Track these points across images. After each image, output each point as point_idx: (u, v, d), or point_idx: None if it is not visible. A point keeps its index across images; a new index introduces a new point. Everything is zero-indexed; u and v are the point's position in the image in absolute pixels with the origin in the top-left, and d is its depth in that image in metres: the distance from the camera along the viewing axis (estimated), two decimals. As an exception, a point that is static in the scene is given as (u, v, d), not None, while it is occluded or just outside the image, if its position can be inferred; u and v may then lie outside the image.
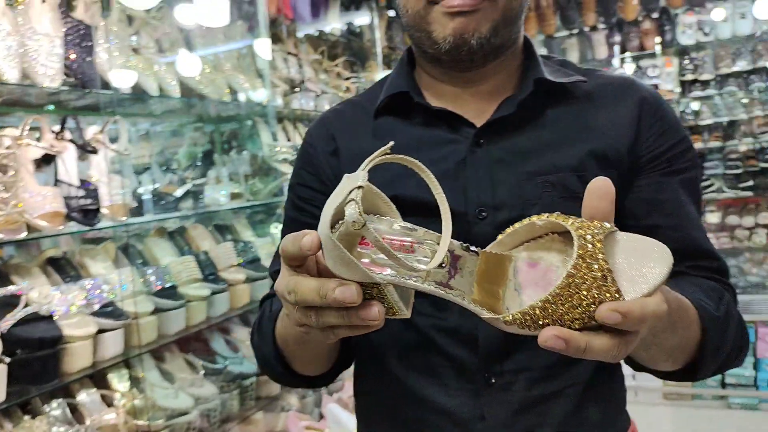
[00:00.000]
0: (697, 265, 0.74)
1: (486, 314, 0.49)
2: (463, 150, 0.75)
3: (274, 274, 0.88)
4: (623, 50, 3.69)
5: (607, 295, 0.45)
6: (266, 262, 2.13)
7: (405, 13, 0.75)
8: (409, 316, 0.50)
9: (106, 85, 1.51)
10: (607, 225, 0.48)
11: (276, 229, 2.36)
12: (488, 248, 0.53)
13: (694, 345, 0.67)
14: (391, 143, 0.49)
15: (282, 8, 2.21)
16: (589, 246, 0.46)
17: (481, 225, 0.72)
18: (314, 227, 0.64)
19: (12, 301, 1.37)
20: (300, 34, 2.64)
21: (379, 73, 2.90)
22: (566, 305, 0.45)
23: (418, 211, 0.66)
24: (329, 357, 0.80)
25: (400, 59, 0.85)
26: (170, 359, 1.93)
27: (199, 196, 2.00)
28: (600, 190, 0.49)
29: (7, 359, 1.29)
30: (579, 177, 0.72)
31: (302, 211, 0.84)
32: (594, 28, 3.71)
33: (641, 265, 0.47)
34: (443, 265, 0.50)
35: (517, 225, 0.53)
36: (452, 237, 0.52)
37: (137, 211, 1.78)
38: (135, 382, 1.75)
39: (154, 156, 2.16)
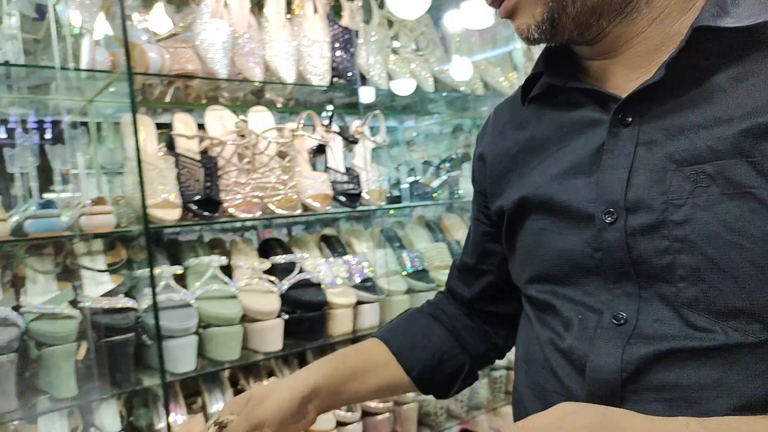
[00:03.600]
0: None
1: None
2: (604, 133, 0.61)
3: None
4: None
5: None
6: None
7: None
8: None
9: (366, 83, 1.70)
10: None
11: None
12: None
13: None
14: None
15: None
16: None
17: (610, 231, 0.58)
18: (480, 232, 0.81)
19: (291, 268, 1.63)
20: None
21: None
22: None
23: (547, 209, 0.65)
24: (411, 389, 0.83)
25: None
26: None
27: (453, 188, 2.09)
28: None
29: (286, 316, 1.55)
30: (750, 164, 0.51)
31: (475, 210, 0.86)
32: None
33: None
34: None
35: None
36: (583, 243, 0.61)
37: (396, 199, 1.95)
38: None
39: (417, 153, 2.33)
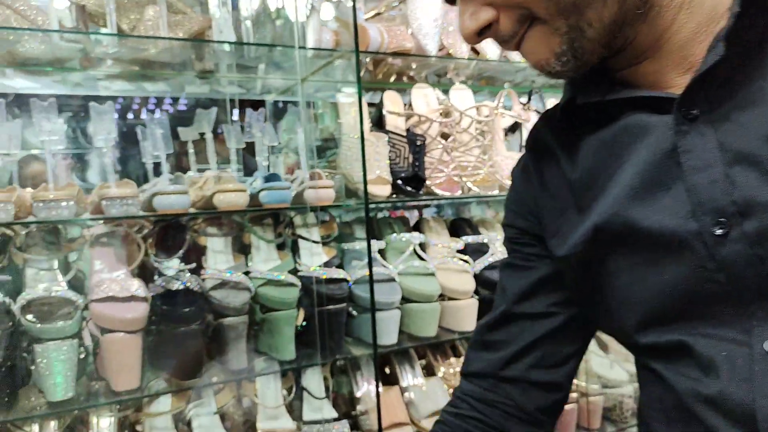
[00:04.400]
0: None
1: None
2: (669, 137, 0.52)
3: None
4: None
5: None
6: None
7: None
8: None
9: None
10: None
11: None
12: None
13: None
14: None
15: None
16: None
17: (727, 245, 0.49)
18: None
19: (481, 249, 1.62)
20: None
21: None
22: None
23: (630, 241, 0.54)
24: None
25: None
26: (605, 330, 1.96)
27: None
28: None
29: (477, 296, 1.54)
30: None
31: (513, 254, 0.74)
32: None
33: None
34: None
35: None
36: (694, 268, 0.50)
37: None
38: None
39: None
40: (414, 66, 1.54)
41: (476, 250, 1.62)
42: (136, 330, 1.11)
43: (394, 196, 1.43)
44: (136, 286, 1.13)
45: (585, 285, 0.62)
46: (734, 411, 0.50)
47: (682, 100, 0.51)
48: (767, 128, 0.47)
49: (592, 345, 1.90)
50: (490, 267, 1.56)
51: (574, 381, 1.73)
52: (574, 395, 1.72)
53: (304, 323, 1.37)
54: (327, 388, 1.46)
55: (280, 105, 1.66)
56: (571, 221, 0.62)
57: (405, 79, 1.60)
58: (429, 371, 1.60)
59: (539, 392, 0.70)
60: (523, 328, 0.70)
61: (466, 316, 1.50)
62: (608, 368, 1.85)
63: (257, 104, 1.57)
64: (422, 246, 1.55)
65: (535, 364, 0.70)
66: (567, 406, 1.69)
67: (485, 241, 1.61)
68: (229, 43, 1.20)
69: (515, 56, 1.54)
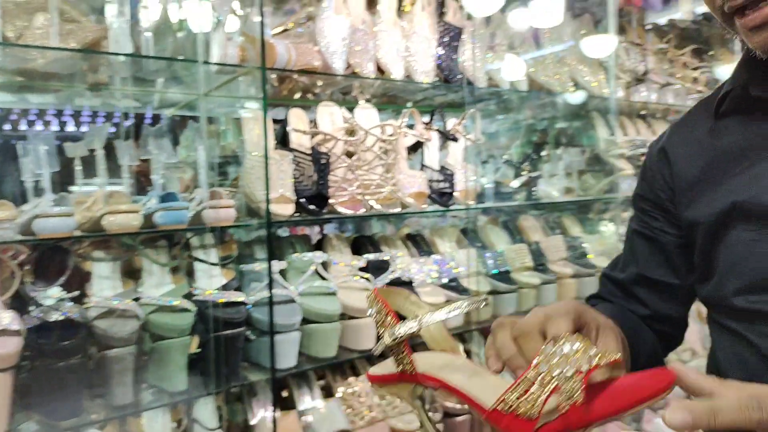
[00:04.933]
0: None
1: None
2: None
3: (605, 276, 0.88)
4: None
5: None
6: (594, 259, 2.09)
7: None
8: None
9: (467, 81, 1.67)
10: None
11: (605, 227, 2.29)
12: None
13: None
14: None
15: (631, -3, 2.14)
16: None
17: None
18: (651, 240, 0.78)
19: (383, 266, 1.62)
20: (647, 23, 2.50)
21: (733, 63, 2.57)
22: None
23: (761, 218, 0.63)
24: None
25: (745, 50, 0.74)
26: (480, 342, 2.03)
27: (532, 189, 2.07)
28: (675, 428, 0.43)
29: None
30: None
31: (641, 222, 0.83)
32: None
33: None
34: None
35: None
36: None
37: (479, 199, 1.93)
38: (468, 356, 1.89)
39: (495, 150, 2.30)
40: (320, 83, 1.51)
41: (378, 267, 1.62)
42: (5, 368, 1.00)
43: (297, 214, 1.39)
44: (8, 319, 1.01)
45: (704, 250, 0.71)
46: None
47: None
48: None
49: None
50: (391, 284, 1.57)
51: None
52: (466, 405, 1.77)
53: (198, 350, 1.30)
54: (220, 417, 1.40)
55: (178, 120, 1.56)
56: (708, 194, 0.70)
57: (310, 96, 1.57)
58: (328, 392, 1.58)
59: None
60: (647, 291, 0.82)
61: (366, 335, 1.50)
62: (500, 378, 1.92)
63: (154, 119, 1.47)
64: (324, 265, 1.53)
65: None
66: (459, 418, 1.74)
67: (386, 258, 1.62)
68: (126, 55, 1.10)
69: (419, 76, 1.55)
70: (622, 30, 2.19)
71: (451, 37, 1.60)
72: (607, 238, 2.26)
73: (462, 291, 1.73)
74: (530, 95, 1.92)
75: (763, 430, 0.42)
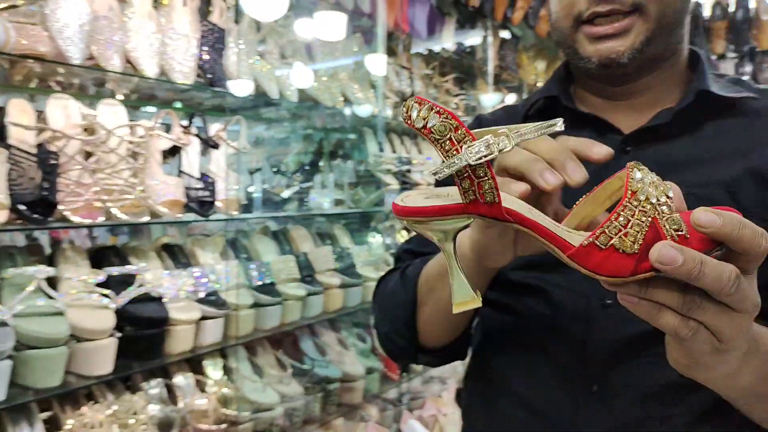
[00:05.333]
0: None
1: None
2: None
3: (402, 253, 0.88)
4: (755, 81, 3.44)
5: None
6: (362, 269, 2.15)
7: (555, 31, 0.75)
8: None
9: (232, 85, 1.60)
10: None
11: (374, 238, 2.39)
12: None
13: None
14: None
15: (400, 22, 2.25)
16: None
17: None
18: None
19: (128, 280, 1.46)
20: (413, 51, 2.68)
21: (489, 93, 2.88)
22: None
23: None
24: (455, 321, 0.76)
25: (556, 69, 0.83)
26: (262, 354, 1.98)
27: (304, 200, 2.06)
28: (702, 226, 0.42)
29: (119, 334, 1.38)
30: (730, 193, 0.67)
31: None
32: (722, 57, 3.48)
33: None
34: None
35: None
36: None
37: (247, 208, 1.87)
38: (228, 371, 1.81)
39: (266, 159, 2.25)
40: (62, 72, 1.31)
41: (122, 282, 1.46)
42: None
43: (19, 222, 1.18)
44: None
45: None
46: (572, 340, 0.69)
47: (625, 138, 0.71)
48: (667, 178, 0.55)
49: (247, 371, 1.90)
50: (136, 300, 1.43)
51: (223, 410, 1.72)
52: (222, 426, 1.69)
53: None
54: None
55: None
56: None
57: (54, 85, 1.35)
58: (55, 425, 1.38)
59: None
60: None
61: (100, 359, 1.34)
62: (261, 392, 1.87)
63: None
64: (52, 280, 1.33)
65: None
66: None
67: (134, 271, 1.47)
68: None
69: (177, 76, 1.44)
70: (392, 53, 2.31)
71: (215, 39, 1.52)
72: (374, 249, 2.35)
73: (221, 305, 1.64)
74: (302, 106, 1.91)
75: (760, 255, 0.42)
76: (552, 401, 0.71)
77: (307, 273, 1.98)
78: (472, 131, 0.44)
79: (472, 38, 2.93)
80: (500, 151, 0.42)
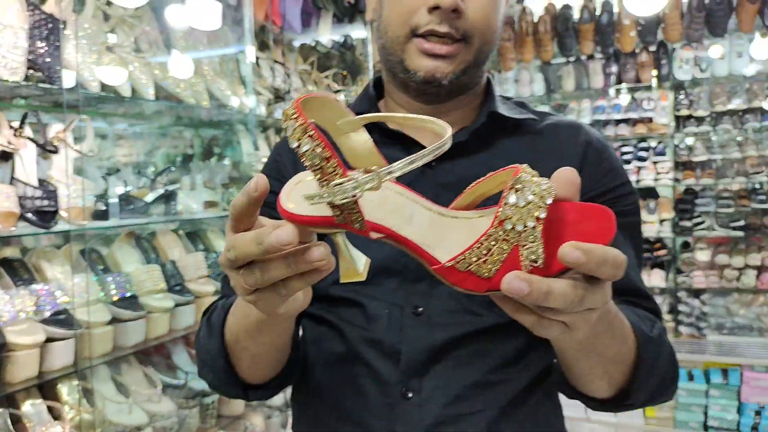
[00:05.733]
0: (632, 302, 0.75)
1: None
2: (413, 172, 0.74)
3: (224, 278, 0.87)
4: (619, 81, 3.67)
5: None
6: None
7: (384, 34, 0.76)
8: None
9: (72, 81, 1.44)
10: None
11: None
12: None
13: (630, 363, 0.67)
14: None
15: (270, 15, 2.16)
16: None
17: None
18: None
19: (-47, 304, 1.29)
20: (296, 44, 2.59)
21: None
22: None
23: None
24: (280, 354, 0.75)
25: (365, 87, 0.86)
26: (127, 372, 1.84)
27: (171, 203, 1.93)
28: (566, 178, 0.48)
29: (-58, 365, 1.21)
30: None
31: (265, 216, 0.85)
32: (591, 57, 3.68)
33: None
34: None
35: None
36: (393, 251, 0.58)
37: (102, 214, 1.71)
38: (87, 394, 1.67)
39: (129, 158, 2.09)
40: None
41: (-55, 306, 1.28)
42: None
43: None
44: None
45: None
46: (387, 350, 0.73)
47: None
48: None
49: (110, 391, 1.76)
50: (-35, 327, 1.26)
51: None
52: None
53: None
54: None
55: None
56: None
57: None
58: None
59: None
60: None
61: None
62: (127, 413, 1.74)
63: None
64: None
65: None
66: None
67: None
68: None
69: (2, 71, 1.27)
70: (264, 47, 2.21)
71: (49, 30, 1.36)
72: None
73: (71, 325, 1.49)
74: (159, 104, 1.77)
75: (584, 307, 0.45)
76: (370, 410, 0.74)
77: (176, 282, 1.86)
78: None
79: (358, 32, 2.89)
80: (368, 189, 0.44)
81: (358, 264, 0.50)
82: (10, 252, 1.61)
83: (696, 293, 3.53)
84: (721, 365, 3.13)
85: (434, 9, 0.71)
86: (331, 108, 0.48)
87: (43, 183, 1.42)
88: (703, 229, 3.52)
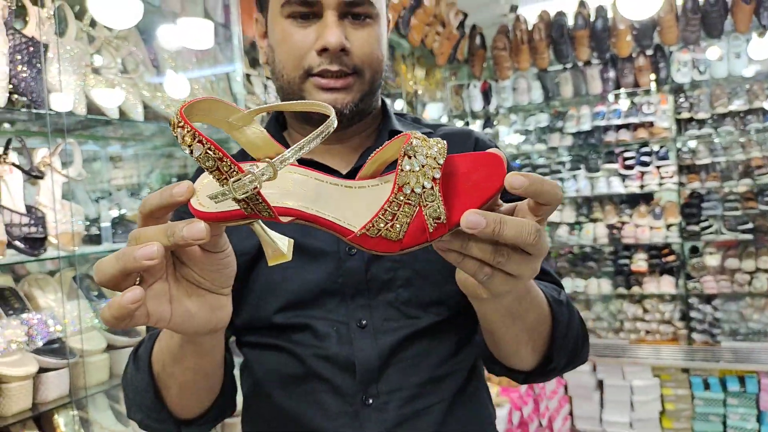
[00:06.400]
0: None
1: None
2: None
3: None
4: (617, 86, 3.64)
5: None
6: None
7: (280, 77, 0.79)
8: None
9: (58, 105, 1.42)
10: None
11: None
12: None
13: (548, 326, 0.73)
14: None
15: (261, 33, 2.14)
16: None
17: (351, 260, 0.78)
18: None
19: (-60, 336, 1.25)
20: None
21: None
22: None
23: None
24: (209, 381, 0.74)
25: (269, 121, 0.89)
26: (125, 400, 1.79)
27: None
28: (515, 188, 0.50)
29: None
30: None
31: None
32: (588, 63, 3.66)
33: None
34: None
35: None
36: (328, 273, 0.77)
37: (96, 239, 1.68)
38: (84, 424, 1.62)
39: (123, 180, 2.06)
40: None
41: (-69, 339, 1.25)
42: None
43: None
44: None
45: (240, 277, 0.75)
46: (342, 363, 0.77)
47: (343, 177, 0.68)
48: None
49: (109, 420, 1.71)
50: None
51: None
52: None
53: None
54: None
55: None
56: (243, 228, 0.74)
57: None
58: None
59: None
60: None
61: None
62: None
63: None
64: None
65: None
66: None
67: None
68: None
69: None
70: (255, 63, 2.19)
71: (31, 54, 1.34)
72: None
73: (65, 354, 1.45)
74: (149, 124, 1.75)
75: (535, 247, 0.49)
76: (334, 421, 0.77)
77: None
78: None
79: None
80: (266, 180, 0.46)
81: (281, 246, 0.51)
82: (2, 281, 1.58)
83: (707, 299, 3.46)
84: (738, 372, 3.05)
85: (323, 51, 0.75)
86: (220, 108, 0.50)
87: (30, 209, 1.39)
88: (711, 233, 3.46)
